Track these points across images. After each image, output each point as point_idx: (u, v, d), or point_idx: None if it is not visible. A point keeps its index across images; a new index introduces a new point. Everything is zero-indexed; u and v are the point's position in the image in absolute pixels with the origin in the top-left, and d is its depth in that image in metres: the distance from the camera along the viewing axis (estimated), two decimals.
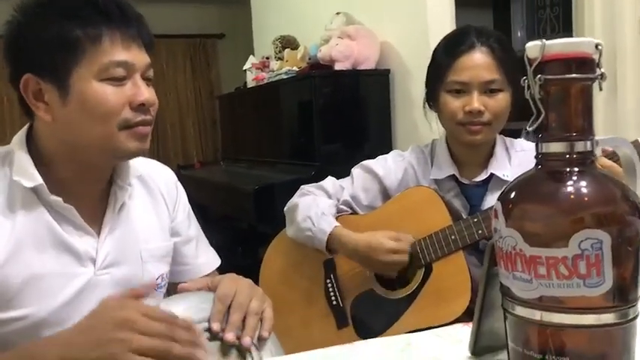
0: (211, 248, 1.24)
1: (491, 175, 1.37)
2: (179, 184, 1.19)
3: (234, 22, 6.20)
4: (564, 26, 4.43)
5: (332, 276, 1.50)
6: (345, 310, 1.48)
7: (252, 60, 3.43)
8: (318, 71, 2.69)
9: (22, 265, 0.91)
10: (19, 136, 0.97)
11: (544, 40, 0.57)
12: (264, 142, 3.31)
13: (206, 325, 0.89)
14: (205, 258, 1.21)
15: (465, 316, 1.22)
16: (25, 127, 0.98)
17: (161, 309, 0.84)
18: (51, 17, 0.89)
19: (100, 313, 0.81)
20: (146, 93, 0.93)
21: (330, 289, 1.50)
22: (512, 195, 0.59)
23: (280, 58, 3.18)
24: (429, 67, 1.42)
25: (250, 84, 3.41)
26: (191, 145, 6.28)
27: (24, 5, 0.92)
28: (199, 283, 1.00)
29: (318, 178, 1.67)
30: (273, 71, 3.13)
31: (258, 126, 3.37)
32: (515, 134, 1.48)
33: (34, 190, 0.93)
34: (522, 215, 0.57)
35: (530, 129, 0.59)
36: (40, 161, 0.94)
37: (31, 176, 0.92)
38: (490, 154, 1.40)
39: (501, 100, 1.32)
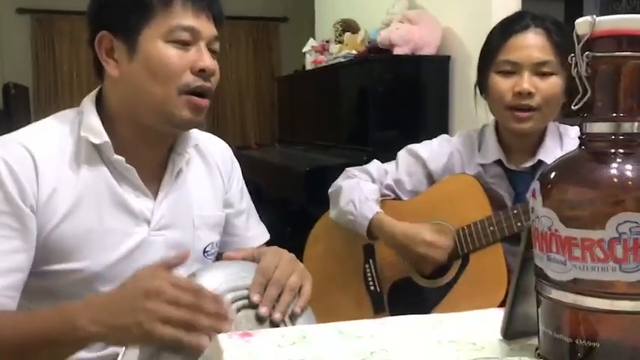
0: (262, 223, 1.27)
1: (540, 161, 1.33)
2: (234, 158, 1.22)
3: (298, 6, 6.22)
4: None
5: (371, 261, 1.50)
6: (382, 296, 1.48)
7: (312, 43, 3.44)
8: (377, 55, 2.67)
9: (82, 219, 0.96)
10: (89, 97, 1.03)
11: (594, 16, 0.55)
12: (320, 125, 3.32)
13: (245, 292, 0.91)
14: (255, 231, 1.24)
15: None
16: (95, 90, 1.04)
17: (191, 279, 0.86)
18: None
19: (132, 281, 0.85)
20: (208, 60, 0.98)
21: (369, 274, 1.50)
22: (553, 175, 0.58)
23: (340, 42, 3.17)
24: (481, 50, 1.38)
25: (309, 67, 3.42)
26: (249, 127, 6.38)
27: None
28: (244, 253, 1.03)
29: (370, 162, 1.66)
30: (332, 54, 3.12)
31: (315, 109, 3.38)
32: None
33: (99, 149, 0.98)
34: (561, 195, 0.56)
35: (575, 107, 0.57)
36: (106, 120, 0.99)
37: (98, 133, 0.97)
38: (540, 141, 1.34)
39: (553, 84, 1.27)
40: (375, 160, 1.57)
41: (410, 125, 2.65)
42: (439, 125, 2.64)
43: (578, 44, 0.56)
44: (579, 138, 0.58)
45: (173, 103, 0.96)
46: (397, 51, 2.59)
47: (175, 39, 0.96)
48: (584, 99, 0.56)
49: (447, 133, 2.66)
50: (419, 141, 1.54)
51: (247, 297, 0.90)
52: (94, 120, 0.98)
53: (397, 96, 2.65)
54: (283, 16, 6.42)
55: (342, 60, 2.91)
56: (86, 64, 5.94)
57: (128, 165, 0.99)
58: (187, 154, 1.08)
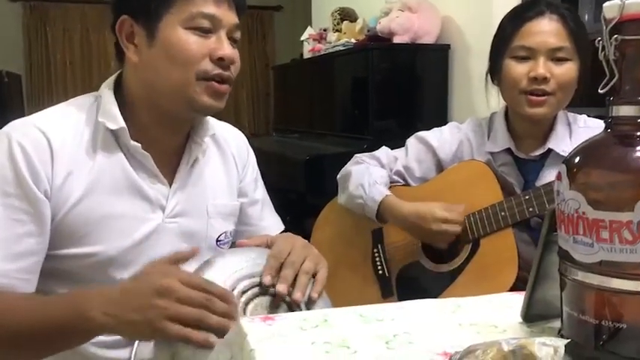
0: (276, 214, 1.26)
1: (549, 150, 1.33)
2: (250, 147, 1.22)
3: None
4: None
5: (379, 245, 1.51)
6: (390, 280, 1.49)
7: (309, 31, 3.42)
8: (376, 43, 2.67)
9: (97, 203, 0.96)
10: (108, 81, 1.02)
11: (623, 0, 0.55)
12: (318, 113, 3.31)
13: (258, 279, 0.91)
14: (269, 222, 1.23)
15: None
16: (114, 75, 1.04)
17: (201, 276, 0.86)
18: None
19: (143, 278, 0.85)
20: (227, 49, 0.97)
21: (377, 259, 1.51)
22: (578, 158, 0.58)
23: (338, 30, 3.15)
24: (494, 37, 1.38)
25: (307, 55, 3.41)
26: (243, 116, 6.35)
27: None
28: (258, 240, 1.03)
29: (369, 151, 1.66)
30: (331, 43, 3.11)
31: (313, 97, 3.37)
32: None
33: (115, 135, 0.98)
34: (587, 178, 0.57)
35: (602, 91, 0.57)
36: (124, 106, 0.99)
37: (115, 119, 0.97)
38: (550, 129, 1.34)
39: (568, 70, 1.27)
40: (383, 147, 1.57)
41: (410, 113, 2.65)
42: (438, 113, 2.65)
43: (605, 27, 0.56)
44: (605, 121, 0.59)
45: (192, 89, 0.96)
46: (397, 40, 2.58)
47: (195, 26, 0.95)
48: (612, 82, 0.56)
49: (445, 121, 2.68)
50: (418, 129, 1.55)
51: (260, 284, 0.90)
52: (111, 105, 0.98)
53: (397, 84, 2.65)
54: (277, 5, 6.39)
55: (342, 48, 2.90)
56: (79, 51, 5.90)
57: (144, 151, 0.99)
58: (204, 143, 1.08)
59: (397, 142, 1.60)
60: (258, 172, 1.23)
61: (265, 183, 1.25)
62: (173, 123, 1.03)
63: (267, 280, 0.90)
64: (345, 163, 1.61)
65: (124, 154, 0.99)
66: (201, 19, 0.95)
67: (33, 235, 0.91)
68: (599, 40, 0.57)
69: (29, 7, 5.72)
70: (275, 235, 1.04)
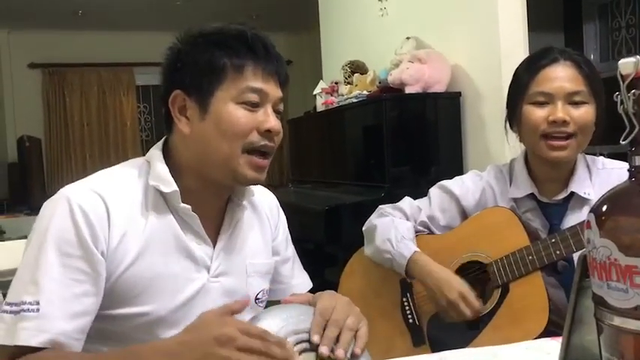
0: (305, 272, 1.30)
1: (572, 193, 1.34)
2: (280, 207, 1.26)
3: (301, 49, 6.37)
4: None
5: (408, 295, 1.52)
6: (421, 329, 1.48)
7: (321, 85, 3.51)
8: (389, 94, 2.73)
9: (149, 263, 0.99)
10: (156, 148, 1.08)
11: (638, 57, 0.59)
12: (334, 164, 3.36)
13: (305, 336, 0.93)
14: (299, 279, 1.26)
15: (543, 337, 1.21)
16: (161, 142, 1.09)
17: (256, 325, 0.89)
18: (205, 46, 1.02)
19: (201, 328, 0.87)
20: (273, 121, 1.03)
21: (407, 308, 1.51)
22: (605, 207, 0.61)
23: (349, 83, 3.24)
24: (510, 86, 1.41)
25: (320, 108, 3.49)
26: None
27: (185, 35, 1.05)
28: (301, 298, 1.07)
29: (387, 199, 1.68)
30: (343, 95, 3.19)
31: (328, 149, 3.43)
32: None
33: (165, 197, 1.02)
34: (616, 226, 0.59)
35: (624, 142, 0.60)
36: (172, 170, 1.03)
37: (168, 183, 1.01)
38: (571, 172, 1.36)
39: (586, 112, 1.30)
40: (407, 197, 1.59)
41: (425, 160, 2.69)
42: (453, 160, 2.68)
43: (622, 83, 0.60)
44: (628, 170, 0.61)
45: (237, 161, 1.01)
46: (409, 90, 2.65)
47: (245, 100, 1.00)
48: (633, 134, 0.59)
49: (461, 167, 2.72)
50: (435, 174, 1.57)
51: (308, 340, 0.92)
52: (163, 170, 1.03)
53: (412, 133, 2.70)
54: (287, 60, 6.55)
55: (355, 101, 2.97)
56: (96, 112, 6.06)
57: (193, 213, 1.03)
58: (245, 205, 1.12)
59: (414, 189, 1.62)
60: (288, 231, 1.26)
61: None
62: (217, 189, 1.07)
63: (316, 338, 0.93)
64: (364, 212, 1.63)
65: (173, 216, 1.03)
66: (250, 93, 1.01)
67: (90, 295, 0.94)
68: (617, 95, 0.61)
69: (48, 72, 5.93)
70: (318, 293, 1.07)
